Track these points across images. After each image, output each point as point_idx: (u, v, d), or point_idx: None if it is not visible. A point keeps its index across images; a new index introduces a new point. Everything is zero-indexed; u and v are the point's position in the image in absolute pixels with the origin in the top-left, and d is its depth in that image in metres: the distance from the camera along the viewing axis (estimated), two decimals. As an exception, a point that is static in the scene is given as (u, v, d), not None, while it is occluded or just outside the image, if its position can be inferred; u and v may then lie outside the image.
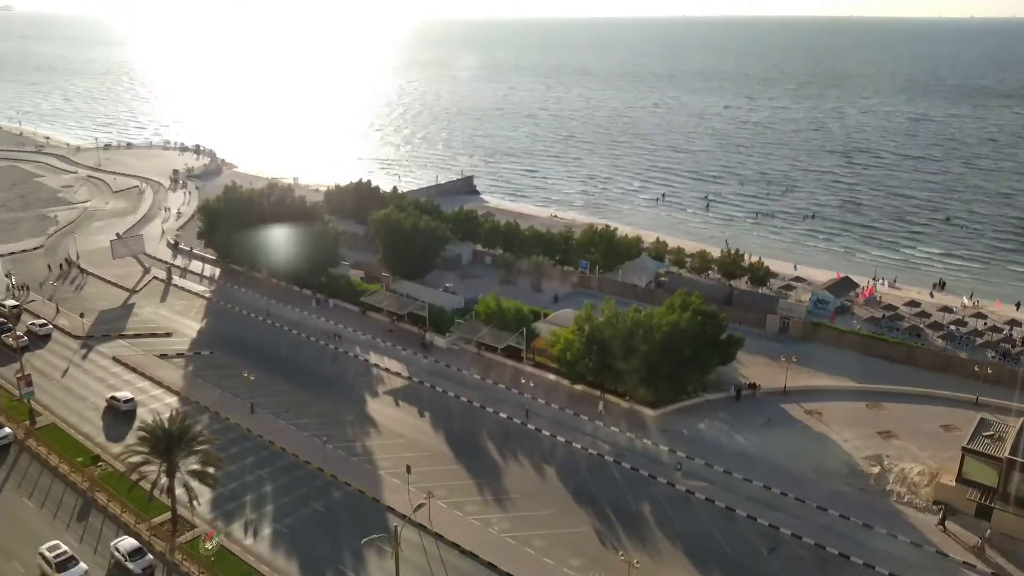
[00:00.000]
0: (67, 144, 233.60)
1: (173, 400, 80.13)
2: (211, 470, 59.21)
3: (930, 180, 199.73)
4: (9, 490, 65.58)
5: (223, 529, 59.45)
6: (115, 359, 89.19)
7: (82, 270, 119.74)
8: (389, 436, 74.15)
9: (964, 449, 63.85)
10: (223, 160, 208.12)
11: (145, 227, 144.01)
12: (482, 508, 63.24)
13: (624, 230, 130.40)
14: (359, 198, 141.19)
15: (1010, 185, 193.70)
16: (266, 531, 60.48)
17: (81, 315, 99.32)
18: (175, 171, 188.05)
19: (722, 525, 61.55)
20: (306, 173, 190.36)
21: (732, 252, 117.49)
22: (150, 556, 56.45)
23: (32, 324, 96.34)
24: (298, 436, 73.19)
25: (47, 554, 55.79)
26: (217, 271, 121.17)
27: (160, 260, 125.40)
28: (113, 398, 78.43)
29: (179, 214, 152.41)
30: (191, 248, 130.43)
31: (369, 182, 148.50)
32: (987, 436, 64.63)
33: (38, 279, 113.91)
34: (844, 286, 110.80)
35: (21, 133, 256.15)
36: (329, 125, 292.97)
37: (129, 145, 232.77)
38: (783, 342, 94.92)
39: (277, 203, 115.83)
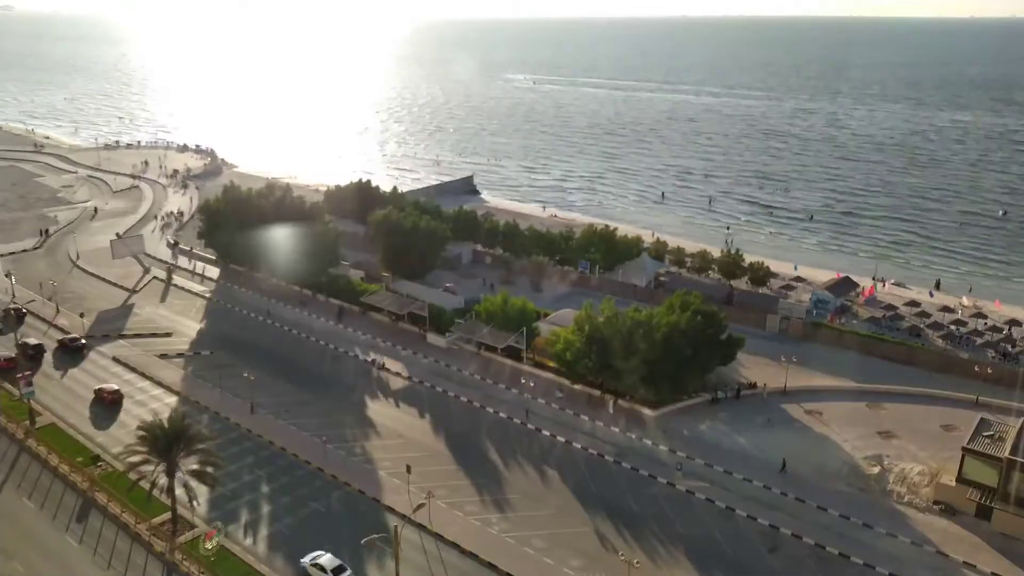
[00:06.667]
0: (69, 145, 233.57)
1: (173, 400, 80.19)
2: (211, 470, 59.22)
3: (931, 180, 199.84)
4: (9, 490, 65.58)
5: (223, 529, 59.43)
6: (115, 359, 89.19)
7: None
8: (389, 436, 74.16)
9: (964, 449, 63.87)
10: (223, 160, 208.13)
11: (145, 227, 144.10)
12: (482, 508, 63.25)
13: (624, 230, 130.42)
14: (359, 198, 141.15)
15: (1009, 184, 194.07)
16: (266, 531, 60.49)
17: (81, 315, 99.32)
18: (175, 171, 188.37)
19: (722, 525, 61.56)
20: (306, 173, 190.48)
21: (732, 252, 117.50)
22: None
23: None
24: (298, 436, 73.22)
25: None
26: (217, 271, 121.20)
27: (160, 260, 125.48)
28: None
29: (180, 213, 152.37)
30: (191, 248, 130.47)
31: (369, 182, 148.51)
32: (987, 436, 64.64)
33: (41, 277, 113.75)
34: (844, 286, 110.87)
35: (21, 134, 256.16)
36: (329, 125, 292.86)
37: (129, 145, 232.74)
38: (784, 342, 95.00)
39: (277, 203, 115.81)
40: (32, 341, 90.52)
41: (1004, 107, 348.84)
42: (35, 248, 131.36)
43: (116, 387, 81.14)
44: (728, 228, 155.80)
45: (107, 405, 78.93)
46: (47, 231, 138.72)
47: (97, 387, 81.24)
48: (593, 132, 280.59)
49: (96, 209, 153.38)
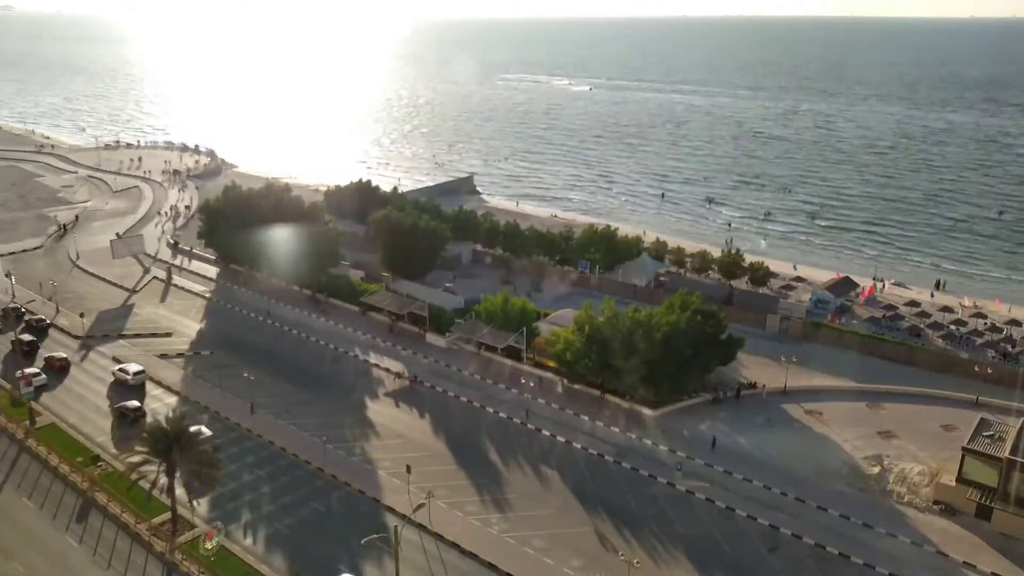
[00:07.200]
0: (69, 145, 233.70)
1: (173, 400, 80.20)
2: (211, 470, 59.16)
3: (930, 180, 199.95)
4: (9, 490, 65.60)
5: (223, 529, 59.44)
6: (115, 359, 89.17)
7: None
8: (389, 436, 74.15)
9: (964, 449, 63.87)
10: (223, 160, 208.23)
11: (145, 227, 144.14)
12: (482, 508, 63.24)
13: (624, 230, 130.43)
14: (359, 198, 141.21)
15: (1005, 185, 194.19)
16: (266, 531, 60.47)
17: (81, 315, 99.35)
18: (175, 171, 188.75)
19: (722, 525, 61.57)
20: (306, 173, 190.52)
21: (732, 252, 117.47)
22: None
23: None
24: (298, 436, 73.23)
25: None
26: (217, 271, 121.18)
27: (160, 260, 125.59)
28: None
29: (179, 213, 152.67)
30: (191, 248, 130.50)
31: (369, 182, 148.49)
32: (987, 436, 64.65)
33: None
34: (844, 286, 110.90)
35: (22, 133, 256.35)
36: (329, 125, 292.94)
37: (129, 145, 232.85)
38: (784, 342, 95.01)
39: (277, 203, 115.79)
40: (27, 337, 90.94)
41: (1004, 108, 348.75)
42: (60, 233, 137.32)
43: (64, 355, 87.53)
44: (730, 225, 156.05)
45: (56, 371, 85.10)
46: (64, 226, 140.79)
47: (47, 355, 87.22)
48: (593, 133, 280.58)
49: (77, 217, 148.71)
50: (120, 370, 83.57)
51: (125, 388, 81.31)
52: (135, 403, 76.79)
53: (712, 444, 72.04)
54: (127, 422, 74.67)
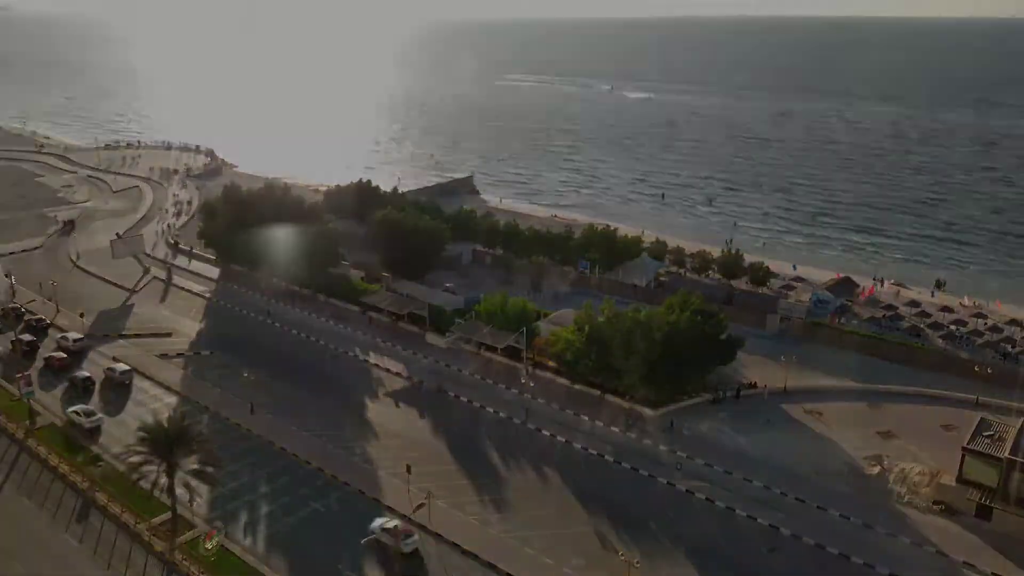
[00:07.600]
0: (68, 145, 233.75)
1: (173, 400, 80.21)
2: (211, 469, 59.19)
3: (929, 180, 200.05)
4: (9, 490, 65.58)
5: (223, 529, 59.42)
6: (115, 359, 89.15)
7: None
8: (389, 436, 74.19)
9: (964, 449, 63.92)
10: (223, 160, 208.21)
11: (145, 227, 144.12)
12: (482, 508, 63.28)
13: (624, 230, 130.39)
14: (359, 198, 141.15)
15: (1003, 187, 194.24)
16: (266, 531, 60.47)
17: (81, 315, 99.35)
18: (175, 170, 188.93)
19: (722, 525, 61.57)
20: (306, 173, 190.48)
21: (732, 252, 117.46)
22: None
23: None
24: (298, 436, 73.23)
25: None
26: (217, 271, 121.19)
27: (159, 260, 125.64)
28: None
29: (181, 211, 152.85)
30: (191, 248, 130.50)
31: (369, 182, 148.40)
32: (987, 436, 64.68)
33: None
34: (844, 286, 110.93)
35: (21, 134, 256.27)
36: (330, 125, 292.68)
37: (129, 144, 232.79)
38: (784, 342, 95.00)
39: (277, 203, 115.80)
40: (27, 338, 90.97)
41: (1003, 109, 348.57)
42: (68, 228, 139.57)
43: (64, 355, 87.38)
44: (735, 224, 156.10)
45: (56, 371, 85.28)
46: (72, 221, 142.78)
47: (47, 355, 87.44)
48: (593, 134, 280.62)
49: (72, 223, 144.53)
50: (62, 338, 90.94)
51: (69, 355, 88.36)
52: (86, 373, 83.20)
53: (670, 425, 73.89)
54: (78, 391, 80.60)
